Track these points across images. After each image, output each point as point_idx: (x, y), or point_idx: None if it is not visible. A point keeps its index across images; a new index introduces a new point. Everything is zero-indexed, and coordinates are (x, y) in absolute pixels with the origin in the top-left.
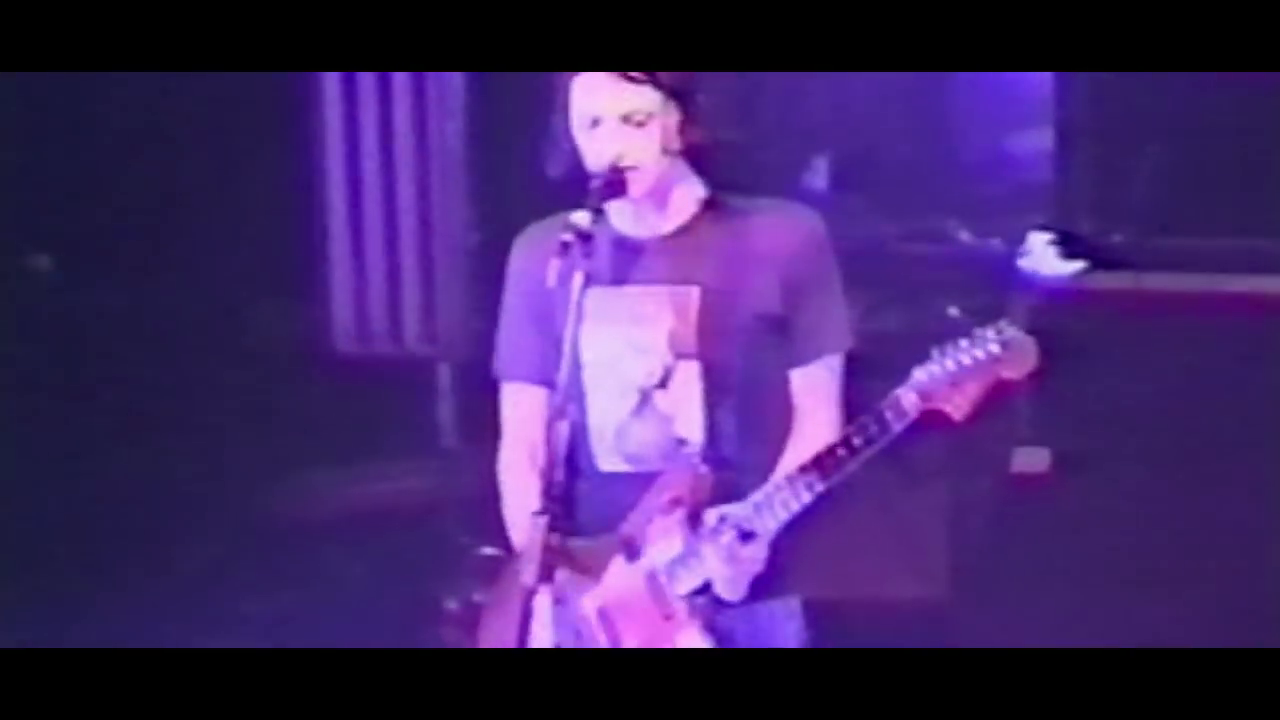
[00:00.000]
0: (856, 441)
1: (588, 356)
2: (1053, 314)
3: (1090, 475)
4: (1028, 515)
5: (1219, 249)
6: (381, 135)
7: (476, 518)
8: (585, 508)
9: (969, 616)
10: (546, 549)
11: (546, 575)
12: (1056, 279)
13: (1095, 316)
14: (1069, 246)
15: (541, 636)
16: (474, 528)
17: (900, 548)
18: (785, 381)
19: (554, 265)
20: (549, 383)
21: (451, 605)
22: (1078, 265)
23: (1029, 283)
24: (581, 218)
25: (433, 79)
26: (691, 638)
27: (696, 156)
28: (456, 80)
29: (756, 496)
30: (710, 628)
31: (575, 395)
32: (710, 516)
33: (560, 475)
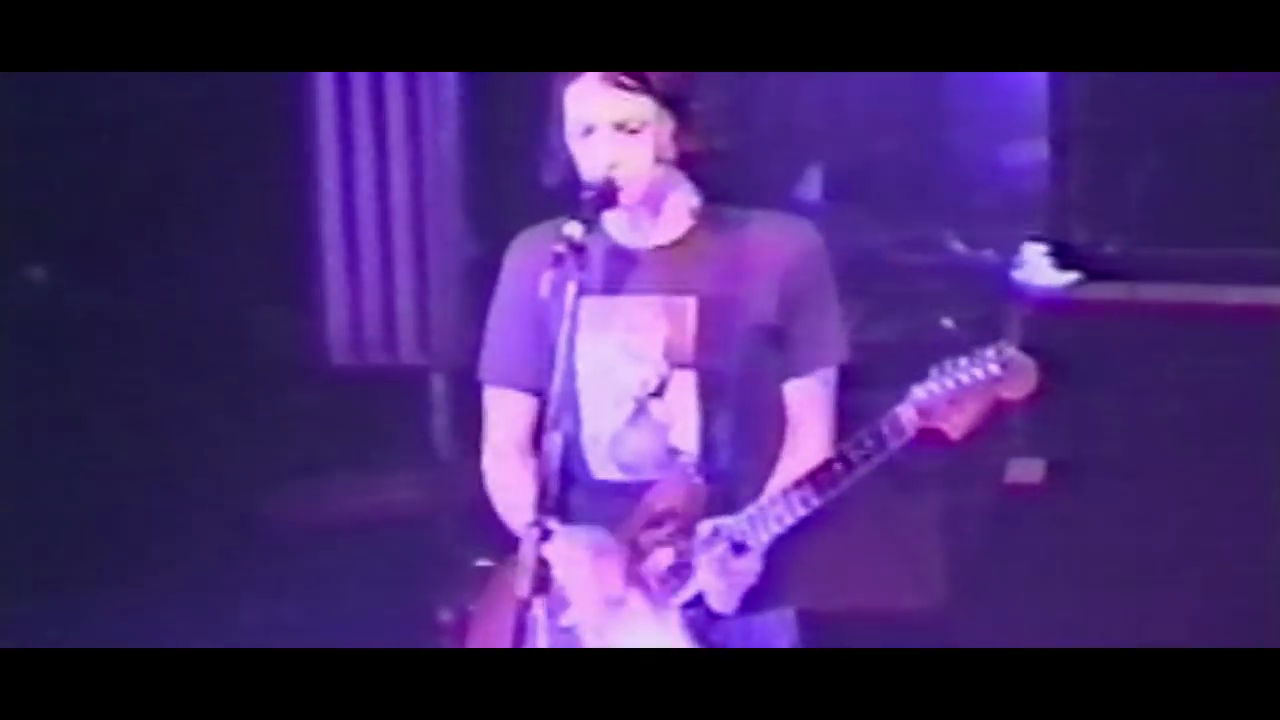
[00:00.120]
0: (853, 458)
1: (583, 365)
2: (1047, 325)
3: (1085, 486)
4: (1023, 526)
5: (1213, 259)
6: (376, 146)
7: (471, 528)
8: (579, 516)
9: (964, 627)
10: (540, 560)
11: (541, 587)
12: (1051, 289)
13: (1090, 327)
14: (1063, 257)
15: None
16: (468, 538)
17: (894, 559)
18: (780, 393)
19: (547, 276)
20: (534, 390)
21: (446, 616)
22: (1072, 276)
23: (1023, 293)
24: (574, 229)
25: (427, 88)
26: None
27: (690, 165)
28: (451, 90)
29: (750, 510)
30: (703, 640)
31: (569, 404)
32: (704, 528)
33: (555, 487)
